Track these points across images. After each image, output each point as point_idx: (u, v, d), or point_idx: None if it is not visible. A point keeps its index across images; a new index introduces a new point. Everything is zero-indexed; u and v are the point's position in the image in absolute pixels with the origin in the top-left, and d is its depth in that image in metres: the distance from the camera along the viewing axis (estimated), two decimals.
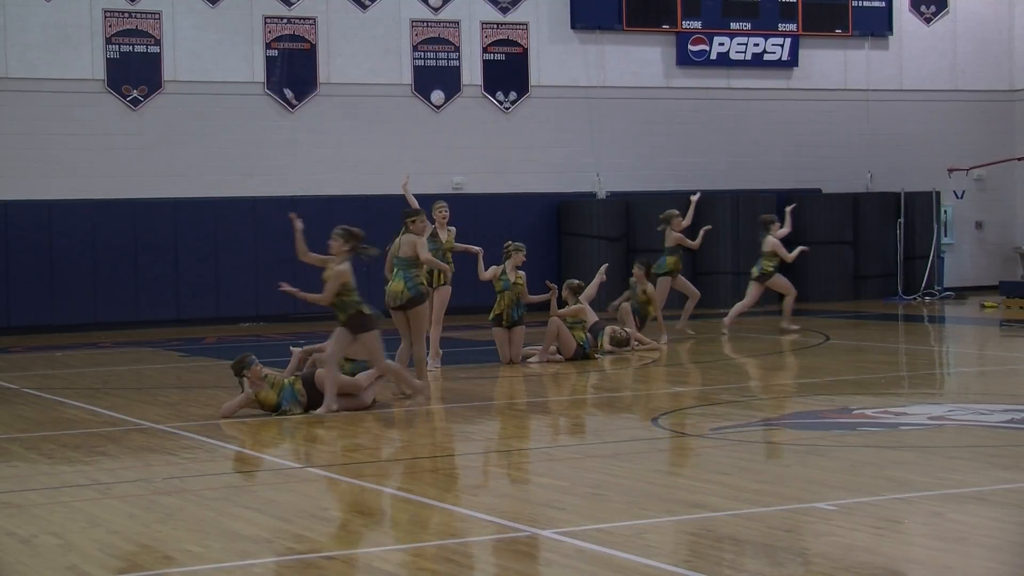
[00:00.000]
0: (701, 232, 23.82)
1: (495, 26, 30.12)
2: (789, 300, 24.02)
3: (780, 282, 23.94)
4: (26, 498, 10.79)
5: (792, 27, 32.17)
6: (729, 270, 29.83)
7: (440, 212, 19.05)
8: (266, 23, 28.39)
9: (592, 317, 20.56)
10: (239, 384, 14.89)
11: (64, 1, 27.03)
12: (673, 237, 22.98)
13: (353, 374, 15.21)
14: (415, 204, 18.99)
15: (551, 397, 16.71)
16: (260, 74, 28.39)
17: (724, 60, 31.68)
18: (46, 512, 10.17)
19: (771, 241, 23.67)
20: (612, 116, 30.89)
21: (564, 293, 19.94)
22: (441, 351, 18.93)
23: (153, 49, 27.60)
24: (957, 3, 33.95)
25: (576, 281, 20.50)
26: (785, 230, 24.34)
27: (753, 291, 23.82)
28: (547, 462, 12.14)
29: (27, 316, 26.47)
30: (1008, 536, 8.74)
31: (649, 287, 21.48)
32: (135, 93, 27.48)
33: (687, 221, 23.33)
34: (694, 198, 24.17)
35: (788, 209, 25.20)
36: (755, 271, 23.90)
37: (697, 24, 31.35)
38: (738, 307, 23.83)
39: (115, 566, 8.46)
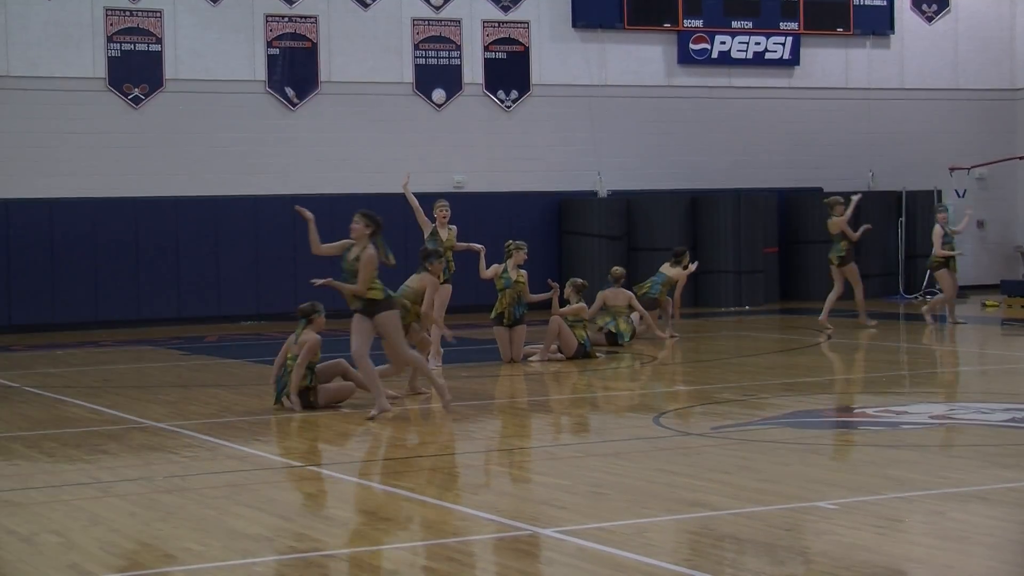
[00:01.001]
0: (862, 228, 23.80)
1: (496, 24, 30.16)
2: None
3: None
4: (27, 496, 10.80)
5: (793, 26, 32.20)
6: (730, 269, 29.84)
7: (441, 211, 19.05)
8: (267, 21, 28.42)
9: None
10: (303, 324, 14.86)
11: (67, 1, 27.06)
12: (836, 223, 23.38)
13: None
14: (415, 203, 19.05)
15: (552, 396, 16.73)
16: (261, 72, 28.43)
17: (725, 59, 31.71)
18: (47, 510, 10.18)
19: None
20: (613, 115, 30.93)
21: (567, 291, 19.98)
22: (442, 350, 18.93)
23: (154, 48, 27.64)
24: (958, 1, 33.98)
25: (580, 280, 20.55)
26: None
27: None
28: (548, 461, 12.16)
29: (28, 314, 26.50)
30: (1009, 535, 8.75)
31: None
32: (136, 91, 27.51)
33: (848, 215, 23.39)
34: (855, 198, 24.22)
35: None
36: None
37: (698, 23, 31.38)
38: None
39: (116, 564, 8.47)
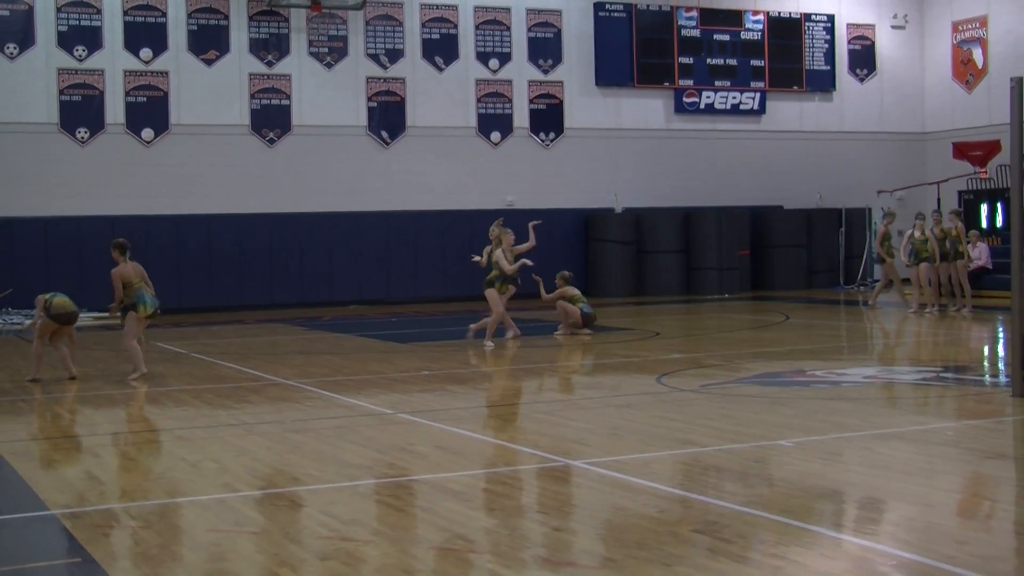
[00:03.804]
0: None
1: (539, 83, 30.14)
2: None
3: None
4: (193, 433, 10.89)
5: (761, 85, 32.06)
6: (714, 266, 29.77)
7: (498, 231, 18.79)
8: (368, 82, 28.49)
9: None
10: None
11: (220, 68, 27.24)
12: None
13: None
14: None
15: (578, 362, 16.72)
16: (363, 120, 28.50)
17: (710, 109, 31.60)
18: (207, 444, 10.26)
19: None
20: (626, 151, 30.87)
21: (558, 281, 19.57)
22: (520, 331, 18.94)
23: (285, 102, 27.76)
24: (883, 67, 33.78)
25: (567, 272, 20.01)
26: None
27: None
28: (577, 410, 12.16)
29: (192, 299, 26.70)
30: (919, 464, 8.71)
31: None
32: (271, 135, 27.63)
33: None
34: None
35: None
36: None
37: (690, 82, 31.29)
38: None
39: (257, 484, 8.54)
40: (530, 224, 18.98)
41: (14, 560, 6.74)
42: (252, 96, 27.52)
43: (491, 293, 18.19)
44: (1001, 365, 14.97)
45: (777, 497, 7.72)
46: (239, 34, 27.44)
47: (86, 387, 14.40)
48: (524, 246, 18.54)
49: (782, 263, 30.72)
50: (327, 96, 28.13)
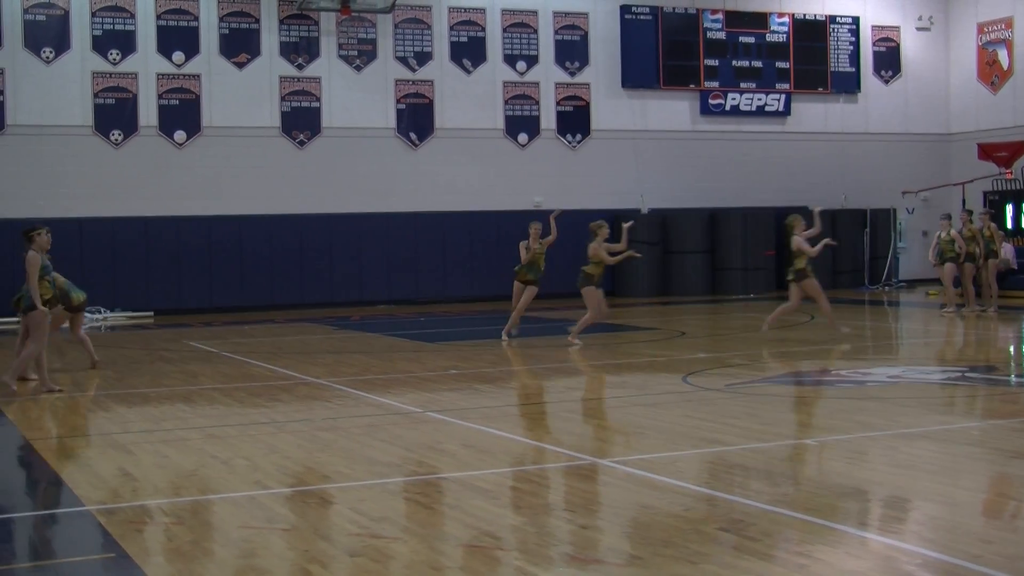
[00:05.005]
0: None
1: (565, 85, 30.12)
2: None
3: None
4: (224, 431, 10.92)
5: (786, 86, 31.96)
6: (739, 267, 29.70)
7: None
8: (396, 84, 28.53)
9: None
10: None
11: (251, 71, 27.33)
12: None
13: None
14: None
15: (606, 361, 16.68)
16: (392, 122, 28.54)
17: (735, 111, 31.52)
18: (239, 441, 10.29)
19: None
20: (652, 152, 30.82)
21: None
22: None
23: (315, 104, 27.83)
24: (908, 68, 33.62)
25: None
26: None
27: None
28: (603, 408, 12.15)
29: (224, 299, 26.81)
30: (944, 463, 8.67)
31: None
32: (301, 136, 27.71)
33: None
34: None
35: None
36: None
37: (716, 84, 31.22)
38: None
39: (288, 482, 8.56)
40: (818, 213, 18.83)
41: (50, 555, 6.79)
42: (282, 98, 27.61)
43: (803, 285, 17.98)
44: None
45: (802, 496, 7.69)
46: (270, 37, 27.53)
47: (119, 384, 14.47)
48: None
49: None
50: (356, 98, 28.19)
